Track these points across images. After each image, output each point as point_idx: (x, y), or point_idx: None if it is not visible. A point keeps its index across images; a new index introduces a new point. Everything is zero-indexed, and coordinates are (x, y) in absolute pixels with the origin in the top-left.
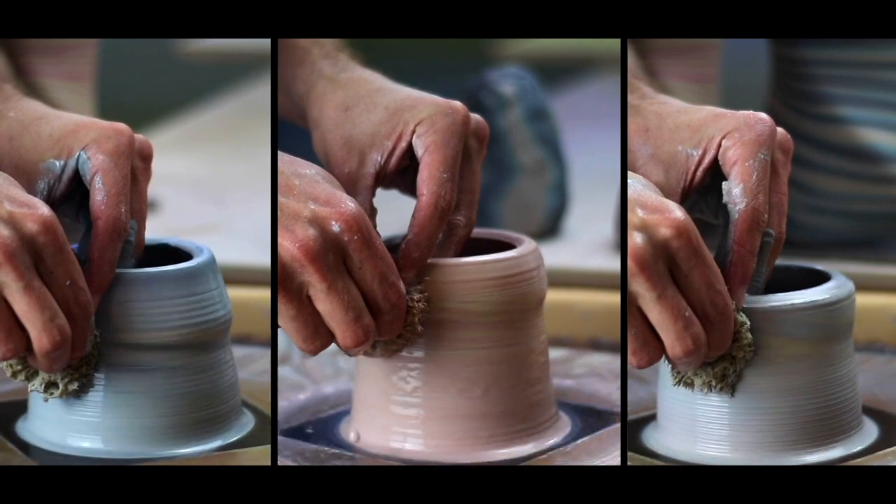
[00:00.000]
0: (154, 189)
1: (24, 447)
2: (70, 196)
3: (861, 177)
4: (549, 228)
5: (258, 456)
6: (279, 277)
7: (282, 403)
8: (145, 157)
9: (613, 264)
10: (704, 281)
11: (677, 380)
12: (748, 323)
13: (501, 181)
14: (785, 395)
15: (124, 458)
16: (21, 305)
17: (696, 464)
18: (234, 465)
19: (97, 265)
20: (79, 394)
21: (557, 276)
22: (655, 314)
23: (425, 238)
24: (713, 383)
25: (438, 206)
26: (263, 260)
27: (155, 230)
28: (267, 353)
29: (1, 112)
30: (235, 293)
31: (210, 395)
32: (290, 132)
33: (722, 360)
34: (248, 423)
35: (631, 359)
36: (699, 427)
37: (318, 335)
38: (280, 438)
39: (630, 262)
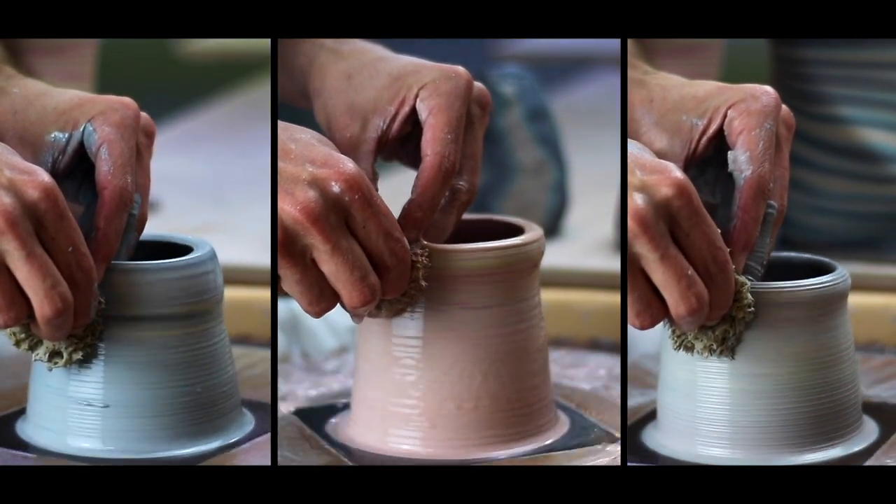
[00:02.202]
0: (154, 189)
1: (24, 447)
2: (72, 173)
3: (861, 177)
4: (549, 228)
5: (258, 456)
6: (281, 241)
7: (282, 403)
8: (149, 133)
9: (613, 264)
10: (706, 239)
11: (678, 344)
12: (748, 283)
13: (501, 181)
14: (785, 394)
15: (124, 458)
16: (23, 273)
17: (696, 464)
18: (234, 465)
19: (103, 233)
20: (83, 364)
21: (557, 276)
22: (659, 275)
23: (428, 199)
24: (714, 346)
25: (442, 166)
26: (263, 260)
27: (155, 230)
28: (267, 353)
29: (3, 88)
30: (235, 293)
31: (210, 395)
32: (289, 121)
33: (722, 323)
34: (248, 423)
35: (634, 321)
36: (699, 427)
37: (323, 297)
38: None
39: (631, 224)
